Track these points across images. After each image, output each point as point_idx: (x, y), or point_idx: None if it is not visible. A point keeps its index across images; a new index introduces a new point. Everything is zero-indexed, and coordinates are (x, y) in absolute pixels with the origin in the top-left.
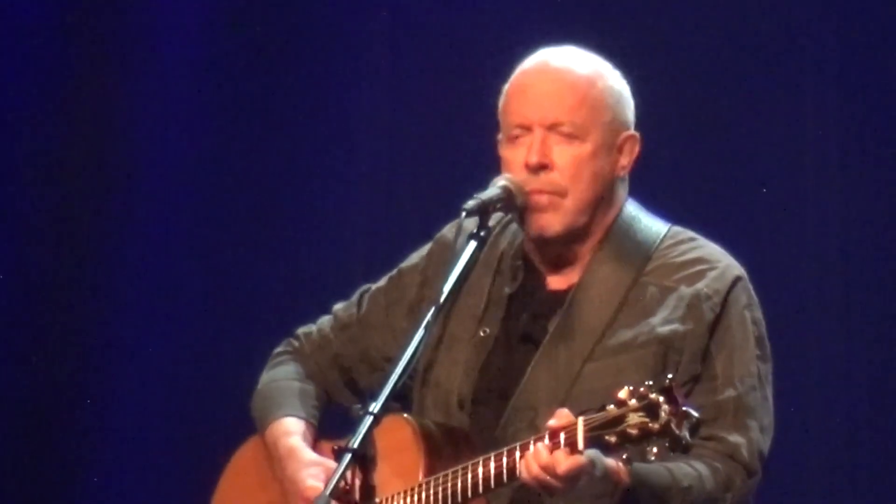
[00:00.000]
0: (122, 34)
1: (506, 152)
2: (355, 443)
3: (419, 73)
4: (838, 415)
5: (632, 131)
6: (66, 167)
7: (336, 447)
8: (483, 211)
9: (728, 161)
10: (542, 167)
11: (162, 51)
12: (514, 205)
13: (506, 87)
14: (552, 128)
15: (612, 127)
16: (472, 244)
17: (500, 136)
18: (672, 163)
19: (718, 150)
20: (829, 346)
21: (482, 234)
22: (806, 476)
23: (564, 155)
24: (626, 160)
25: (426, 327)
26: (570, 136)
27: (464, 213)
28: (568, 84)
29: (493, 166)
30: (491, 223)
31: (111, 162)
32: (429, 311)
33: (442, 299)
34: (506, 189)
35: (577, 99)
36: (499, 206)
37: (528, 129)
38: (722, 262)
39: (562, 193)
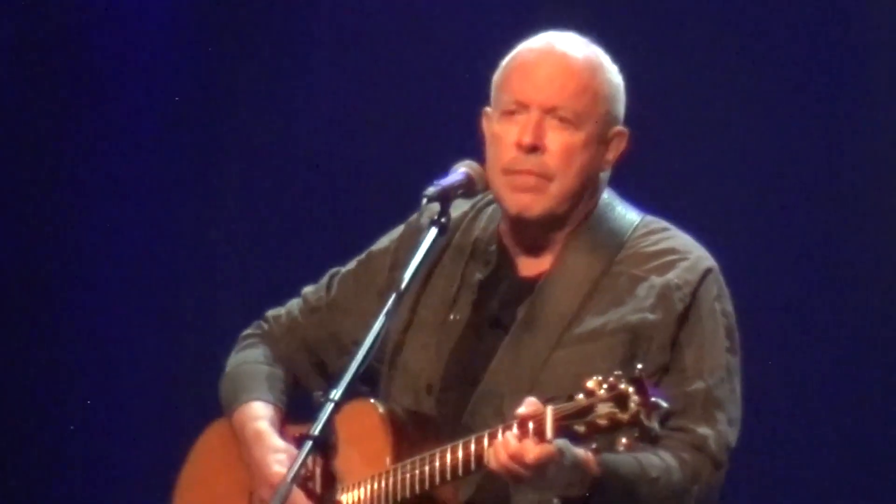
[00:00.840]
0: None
1: (498, 127)
2: (316, 430)
3: (385, 56)
4: (812, 408)
5: (621, 127)
6: (25, 160)
7: (298, 434)
8: (444, 197)
9: (706, 153)
10: (534, 148)
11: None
12: (475, 191)
13: (506, 61)
14: (550, 111)
15: (606, 119)
16: (434, 230)
17: (488, 110)
18: (648, 155)
19: (697, 143)
20: (802, 340)
21: (443, 220)
22: (778, 470)
23: (557, 140)
24: (612, 155)
25: (386, 314)
26: (566, 123)
27: (425, 200)
28: (572, 70)
29: (462, 150)
30: (466, 209)
31: (69, 154)
32: (387, 297)
33: (403, 286)
34: (467, 175)
35: (580, 87)
36: (460, 192)
37: (525, 107)
38: (693, 254)
39: (549, 177)
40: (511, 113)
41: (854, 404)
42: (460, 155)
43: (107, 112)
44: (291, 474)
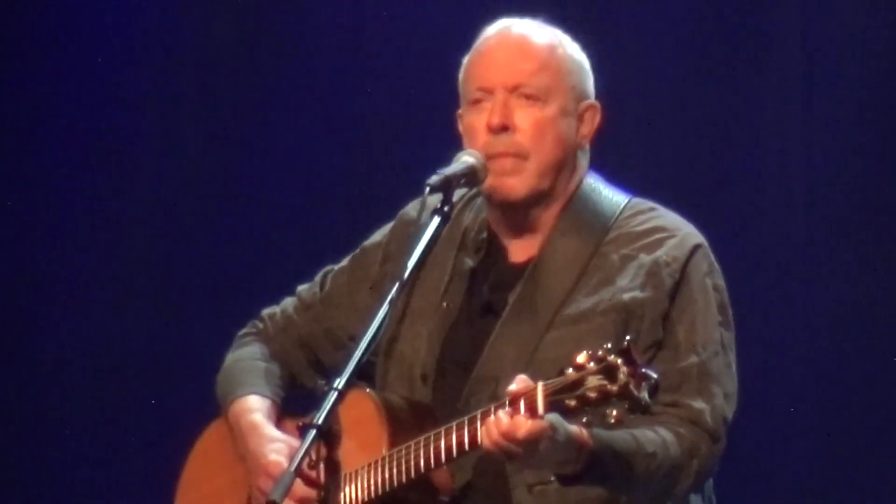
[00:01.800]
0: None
1: (468, 118)
2: (320, 419)
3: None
4: (805, 385)
5: (593, 101)
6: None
7: (301, 423)
8: (447, 186)
9: (694, 136)
10: (504, 128)
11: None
12: (478, 180)
13: (466, 57)
14: (514, 90)
15: (574, 94)
16: (436, 220)
17: (460, 111)
18: (635, 137)
19: (685, 125)
20: (797, 314)
21: (446, 209)
22: (774, 448)
23: (527, 117)
24: (587, 129)
25: (390, 303)
26: (533, 99)
27: (427, 189)
28: (530, 48)
29: (454, 146)
30: (454, 199)
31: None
32: (392, 286)
33: (406, 275)
34: (469, 164)
35: (539, 62)
36: (462, 181)
37: (489, 91)
38: (681, 231)
39: (524, 155)
40: (478, 101)
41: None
42: (452, 150)
43: (107, 112)
44: (295, 463)
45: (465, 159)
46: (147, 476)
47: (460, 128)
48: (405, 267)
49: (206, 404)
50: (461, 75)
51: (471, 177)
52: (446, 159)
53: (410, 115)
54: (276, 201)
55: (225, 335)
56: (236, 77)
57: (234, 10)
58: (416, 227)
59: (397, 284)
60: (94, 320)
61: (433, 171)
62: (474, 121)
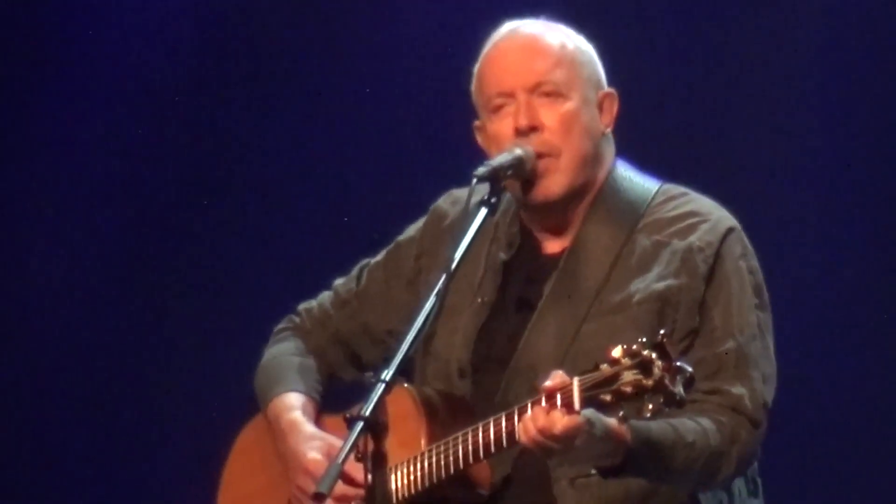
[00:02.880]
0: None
1: (492, 126)
2: (367, 410)
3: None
4: (839, 368)
5: (608, 89)
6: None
7: (347, 415)
8: (494, 177)
9: (718, 116)
10: (532, 129)
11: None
12: (525, 171)
13: (476, 67)
14: (534, 90)
15: (591, 84)
16: (483, 211)
17: (477, 123)
18: (660, 121)
19: (708, 108)
20: (830, 297)
21: (493, 200)
22: (810, 430)
23: (552, 114)
24: (607, 118)
25: (437, 294)
26: (554, 95)
27: (475, 180)
28: (542, 46)
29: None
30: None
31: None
32: (435, 278)
33: (453, 266)
34: (517, 155)
35: (554, 59)
36: (510, 172)
37: (509, 95)
38: (714, 215)
39: (556, 154)
40: (499, 108)
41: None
42: (471, 153)
43: (122, 111)
44: (342, 455)
45: (513, 150)
46: (187, 475)
47: (478, 139)
48: (451, 258)
49: (245, 402)
50: (474, 85)
51: (518, 168)
52: (472, 151)
53: (438, 110)
54: (314, 198)
55: (261, 330)
56: (263, 70)
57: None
58: (454, 220)
59: (444, 276)
60: (130, 317)
61: (462, 163)
62: (499, 127)
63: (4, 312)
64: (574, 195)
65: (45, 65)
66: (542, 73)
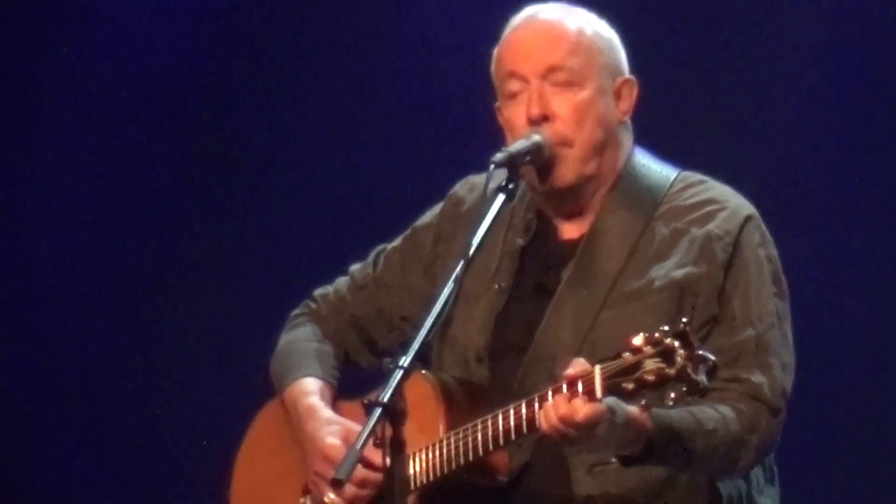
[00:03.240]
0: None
1: (506, 112)
2: (385, 396)
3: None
4: (856, 356)
5: (628, 76)
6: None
7: (366, 401)
8: (512, 164)
9: (735, 106)
10: (543, 118)
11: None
12: (543, 157)
13: (496, 49)
14: (548, 76)
15: (608, 72)
16: (501, 197)
17: (498, 104)
18: (676, 109)
19: (723, 95)
20: (847, 285)
21: (510, 186)
22: (826, 417)
23: (564, 103)
24: (625, 105)
25: (455, 280)
26: (568, 84)
27: (492, 166)
28: (558, 32)
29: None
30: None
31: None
32: (453, 264)
33: (471, 252)
34: (534, 141)
35: (570, 45)
36: (528, 158)
37: (523, 80)
38: (732, 202)
39: (568, 143)
40: (514, 94)
41: None
42: (484, 146)
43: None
44: (360, 441)
45: (531, 136)
46: (202, 459)
47: (500, 120)
48: (469, 244)
49: (260, 386)
50: (493, 67)
51: (536, 154)
52: (488, 139)
53: (450, 100)
54: (327, 181)
55: (277, 317)
56: (276, 66)
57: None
58: (471, 206)
59: (461, 262)
60: (152, 308)
61: (479, 149)
62: (513, 114)
63: (16, 313)
64: (587, 183)
65: (46, 63)
66: (556, 60)
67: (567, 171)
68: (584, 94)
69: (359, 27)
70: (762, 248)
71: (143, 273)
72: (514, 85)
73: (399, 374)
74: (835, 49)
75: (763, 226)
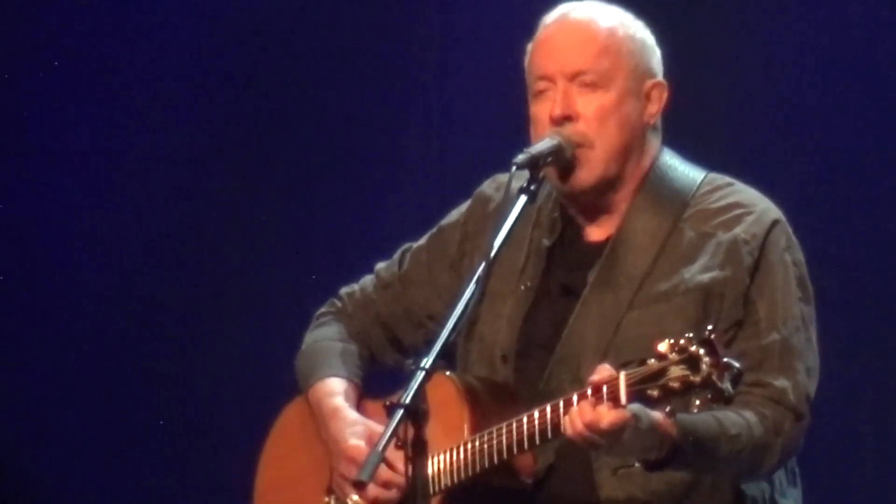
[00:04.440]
0: None
1: (533, 109)
2: (407, 398)
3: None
4: (878, 361)
5: (658, 79)
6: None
7: (388, 403)
8: (533, 164)
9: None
10: (566, 118)
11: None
12: (564, 158)
13: (529, 45)
14: (574, 78)
15: (637, 74)
16: (523, 198)
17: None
18: (706, 113)
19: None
20: (871, 289)
21: (532, 188)
22: (849, 419)
23: (589, 104)
24: (654, 108)
25: (477, 281)
26: (594, 86)
27: (514, 167)
28: (588, 34)
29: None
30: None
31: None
32: (477, 265)
33: (493, 253)
34: (556, 143)
35: (599, 47)
36: (549, 159)
37: (550, 80)
38: (759, 206)
39: (590, 144)
40: (541, 92)
41: None
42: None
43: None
44: (382, 443)
45: (553, 137)
46: (227, 457)
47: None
48: (491, 245)
49: (285, 384)
50: (525, 64)
51: (557, 155)
52: (515, 139)
53: (471, 98)
54: (352, 181)
55: (303, 315)
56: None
57: None
58: (498, 205)
59: (484, 262)
60: (177, 308)
61: (500, 149)
62: (538, 112)
63: (45, 312)
64: (608, 185)
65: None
66: (584, 61)
67: (588, 173)
68: (609, 97)
69: (385, 27)
70: (788, 253)
71: (169, 272)
72: (541, 84)
73: (421, 375)
74: (864, 54)
75: (789, 230)
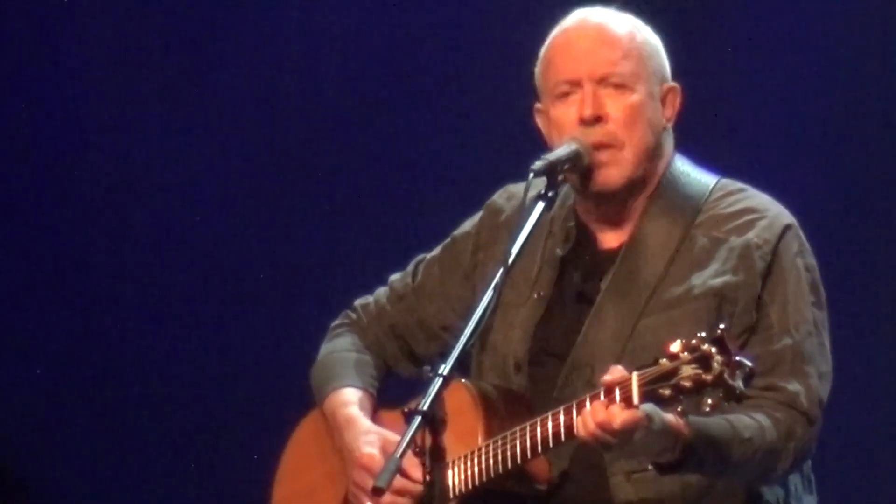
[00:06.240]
0: None
1: (555, 112)
2: (425, 405)
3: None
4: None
5: (672, 83)
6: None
7: (406, 410)
8: (551, 171)
9: (773, 113)
10: (597, 119)
11: None
12: (582, 165)
13: (543, 51)
14: (602, 80)
15: (656, 78)
16: (540, 205)
17: (538, 106)
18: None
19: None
20: (885, 294)
21: (550, 194)
22: (864, 425)
23: (617, 106)
24: (669, 111)
25: (494, 288)
26: (621, 87)
27: (531, 175)
28: (613, 36)
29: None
30: (542, 188)
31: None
32: (492, 273)
33: (511, 260)
34: (574, 149)
35: (623, 50)
36: (567, 166)
37: (576, 83)
38: (771, 211)
39: (619, 145)
40: (565, 94)
41: None
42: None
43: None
44: (400, 449)
45: (570, 144)
46: (244, 468)
47: (538, 122)
48: (509, 252)
49: (301, 396)
50: (539, 68)
51: (576, 162)
52: (524, 149)
53: (487, 107)
54: (367, 194)
55: (318, 327)
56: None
57: None
58: (510, 214)
59: (501, 270)
60: (192, 315)
61: (513, 158)
62: (563, 114)
63: (45, 312)
64: (633, 187)
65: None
66: (610, 63)
67: (618, 174)
68: (635, 98)
69: (399, 32)
70: (800, 258)
71: (181, 278)
72: (565, 87)
73: (438, 382)
74: (875, 58)
75: (802, 235)
